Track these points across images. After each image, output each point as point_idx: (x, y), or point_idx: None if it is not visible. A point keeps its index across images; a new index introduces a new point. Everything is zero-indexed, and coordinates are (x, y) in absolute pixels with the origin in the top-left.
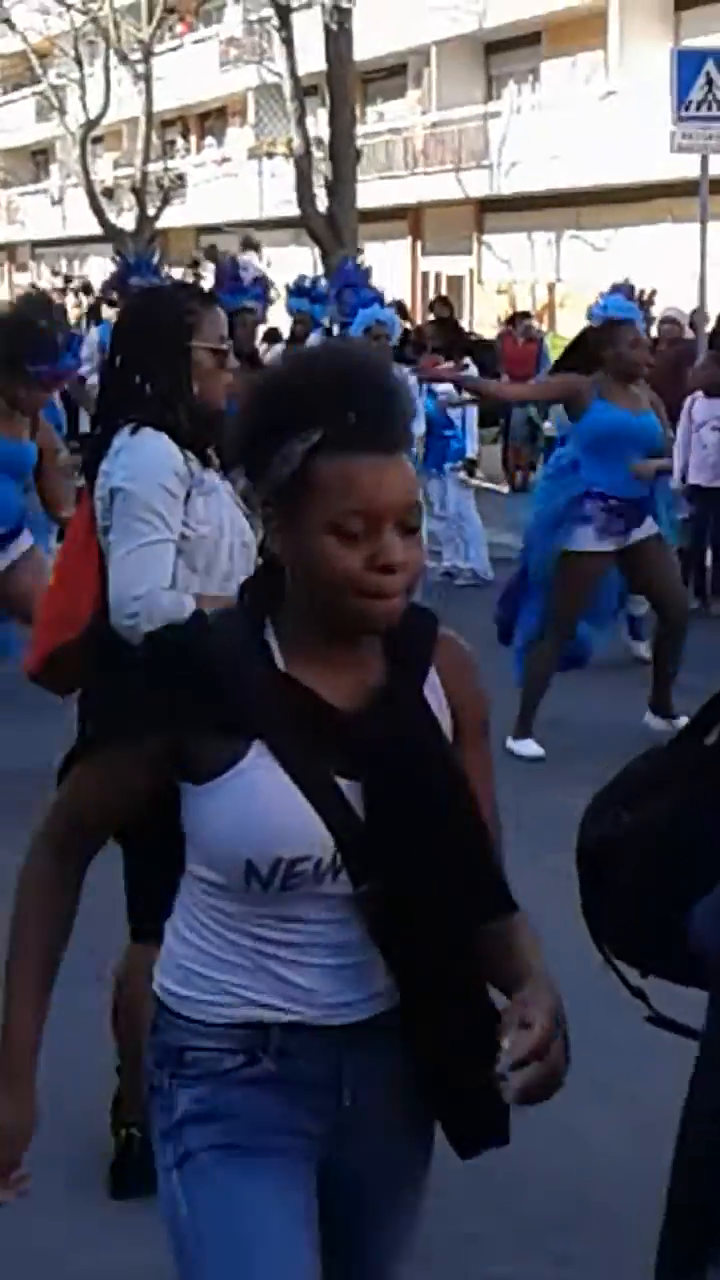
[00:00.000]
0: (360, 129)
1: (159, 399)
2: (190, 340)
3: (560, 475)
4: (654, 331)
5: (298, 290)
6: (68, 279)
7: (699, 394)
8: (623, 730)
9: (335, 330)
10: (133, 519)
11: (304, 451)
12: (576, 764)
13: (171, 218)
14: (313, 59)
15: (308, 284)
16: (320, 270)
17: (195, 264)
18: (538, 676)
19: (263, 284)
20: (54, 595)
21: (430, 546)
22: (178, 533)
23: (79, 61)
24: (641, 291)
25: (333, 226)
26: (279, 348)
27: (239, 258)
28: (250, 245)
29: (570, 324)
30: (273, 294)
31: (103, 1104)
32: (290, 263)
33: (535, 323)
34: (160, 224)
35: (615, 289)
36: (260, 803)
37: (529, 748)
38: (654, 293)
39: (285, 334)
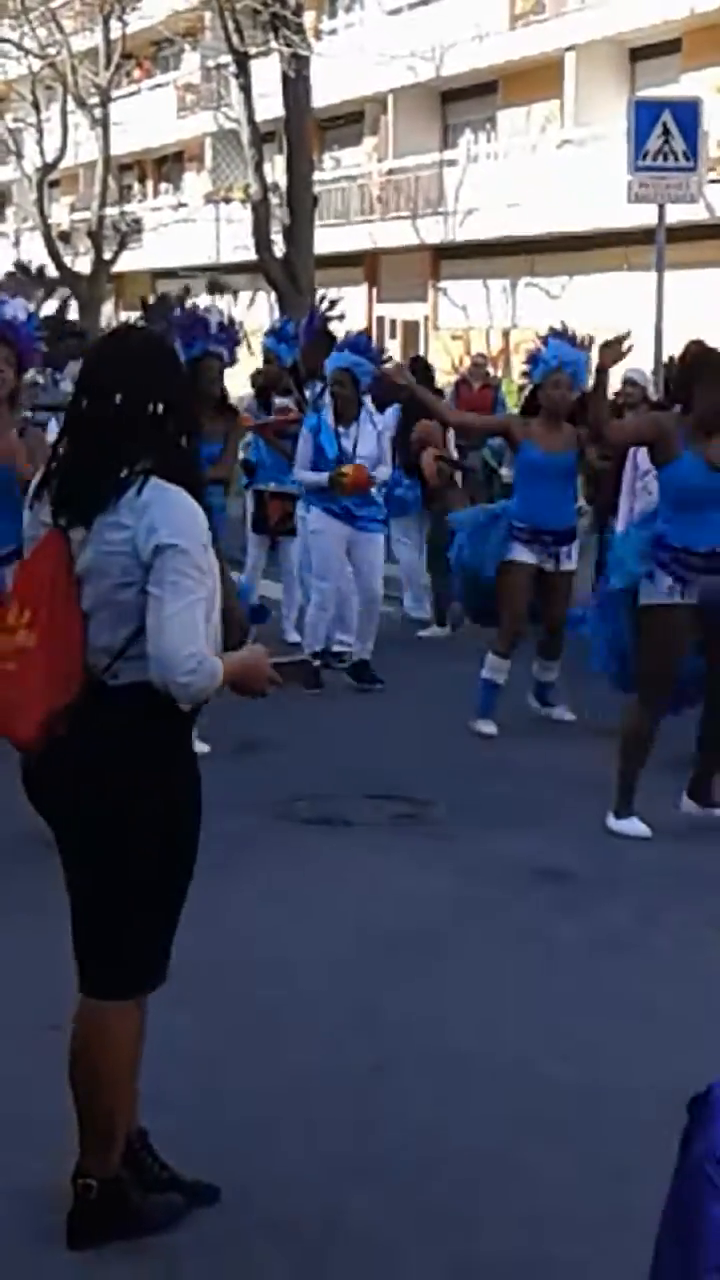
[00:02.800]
0: (317, 175)
1: (162, 445)
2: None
3: None
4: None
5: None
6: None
7: None
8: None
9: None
10: (183, 576)
11: None
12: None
13: (128, 262)
14: (270, 105)
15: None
16: (277, 314)
17: (146, 307)
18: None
19: (228, 329)
20: (41, 654)
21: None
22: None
23: (36, 106)
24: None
25: (289, 272)
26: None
27: (195, 303)
28: (217, 288)
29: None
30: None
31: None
32: (250, 306)
33: (491, 368)
34: (116, 268)
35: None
36: None
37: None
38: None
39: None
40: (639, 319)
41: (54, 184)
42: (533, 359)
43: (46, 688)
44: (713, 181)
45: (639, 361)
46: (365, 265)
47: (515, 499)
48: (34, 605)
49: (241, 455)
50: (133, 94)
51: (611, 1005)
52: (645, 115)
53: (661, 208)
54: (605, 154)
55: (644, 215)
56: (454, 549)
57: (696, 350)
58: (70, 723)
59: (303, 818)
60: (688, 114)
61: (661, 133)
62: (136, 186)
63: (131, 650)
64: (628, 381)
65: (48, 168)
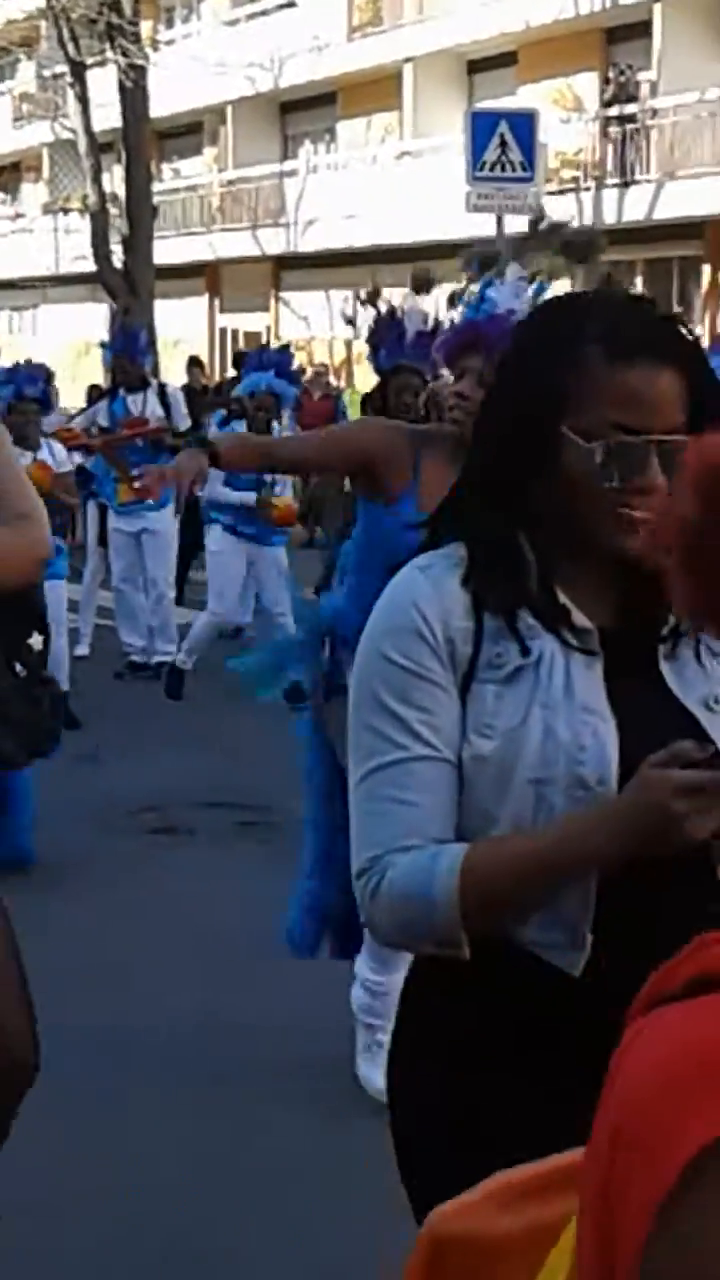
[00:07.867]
0: (157, 186)
1: None
2: None
3: None
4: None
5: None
6: None
7: None
8: None
9: None
10: (359, 723)
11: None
12: None
13: None
14: (108, 115)
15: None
16: (116, 325)
17: None
18: None
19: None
20: None
21: None
22: (449, 743)
23: None
24: None
25: (129, 283)
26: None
27: (404, 307)
28: (423, 282)
29: (367, 380)
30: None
31: None
32: (88, 318)
33: (332, 378)
34: None
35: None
36: None
37: None
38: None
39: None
40: None
41: None
42: None
43: None
44: (550, 193)
45: None
46: (206, 276)
47: None
48: None
49: (80, 461)
50: None
51: None
52: (482, 126)
53: (500, 218)
54: (444, 165)
55: (483, 226)
56: None
57: None
58: None
59: (148, 828)
60: (524, 125)
61: (499, 144)
62: None
63: None
64: None
65: None
